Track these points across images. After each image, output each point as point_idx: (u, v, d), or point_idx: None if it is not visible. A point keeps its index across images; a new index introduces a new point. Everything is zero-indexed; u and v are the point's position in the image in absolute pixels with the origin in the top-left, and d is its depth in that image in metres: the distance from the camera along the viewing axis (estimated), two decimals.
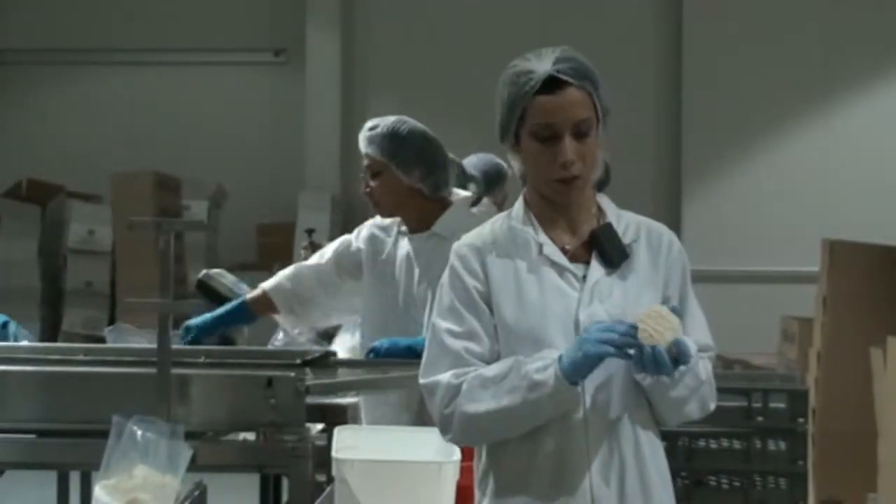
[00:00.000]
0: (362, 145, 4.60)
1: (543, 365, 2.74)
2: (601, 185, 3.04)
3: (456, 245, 2.97)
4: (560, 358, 2.73)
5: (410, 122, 4.60)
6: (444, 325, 2.88)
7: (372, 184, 4.64)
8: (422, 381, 2.89)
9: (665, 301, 2.90)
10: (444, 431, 2.88)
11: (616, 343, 2.70)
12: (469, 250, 2.92)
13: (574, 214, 2.93)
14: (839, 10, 11.78)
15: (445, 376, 2.83)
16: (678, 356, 2.71)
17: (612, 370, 2.81)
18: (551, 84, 2.82)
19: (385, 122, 4.62)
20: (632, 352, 2.71)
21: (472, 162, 6.20)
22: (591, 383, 2.80)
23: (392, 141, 4.55)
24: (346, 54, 12.65)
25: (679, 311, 2.78)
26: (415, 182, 4.57)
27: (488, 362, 2.84)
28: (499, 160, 6.36)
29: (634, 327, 2.71)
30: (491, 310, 2.87)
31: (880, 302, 7.12)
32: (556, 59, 2.84)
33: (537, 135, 2.84)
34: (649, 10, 12.37)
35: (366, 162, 4.65)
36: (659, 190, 12.04)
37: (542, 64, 2.84)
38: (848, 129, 11.80)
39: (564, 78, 2.82)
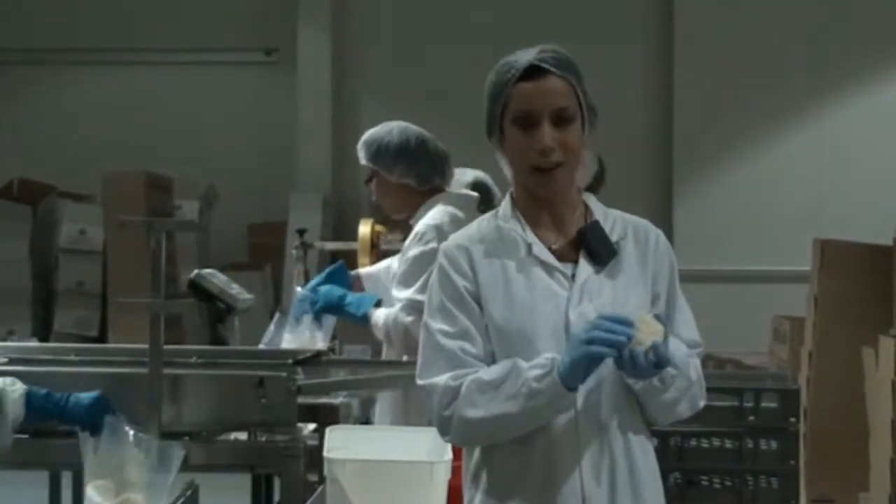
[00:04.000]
0: (360, 158, 4.81)
1: (542, 373, 2.73)
2: (595, 188, 3.05)
3: (443, 245, 2.97)
4: (557, 364, 2.73)
5: (392, 123, 4.77)
6: (437, 325, 2.88)
7: (372, 191, 4.84)
8: (419, 382, 2.88)
9: (654, 298, 2.91)
10: (443, 433, 2.88)
11: (600, 340, 2.68)
12: (457, 250, 2.92)
13: (560, 211, 2.93)
14: (831, 10, 11.79)
15: (443, 378, 2.83)
16: (658, 361, 2.71)
17: (602, 373, 2.81)
18: (532, 72, 2.85)
19: (369, 130, 4.80)
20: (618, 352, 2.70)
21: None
22: (582, 387, 2.79)
23: (371, 145, 4.73)
24: (338, 54, 12.65)
25: (664, 320, 2.76)
26: (400, 177, 4.73)
27: (483, 361, 2.84)
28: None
29: (624, 320, 2.70)
30: (481, 309, 2.87)
31: (871, 301, 7.13)
32: (539, 50, 2.88)
33: (517, 121, 2.86)
34: (641, 10, 12.38)
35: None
36: (650, 190, 12.05)
37: (526, 55, 2.88)
38: (839, 129, 11.82)
39: (545, 66, 2.85)
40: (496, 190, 5.45)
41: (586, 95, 2.88)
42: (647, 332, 2.70)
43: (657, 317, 2.75)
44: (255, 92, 13.18)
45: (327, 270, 5.05)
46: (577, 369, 2.71)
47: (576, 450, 2.80)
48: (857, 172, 11.68)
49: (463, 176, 5.26)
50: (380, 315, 4.63)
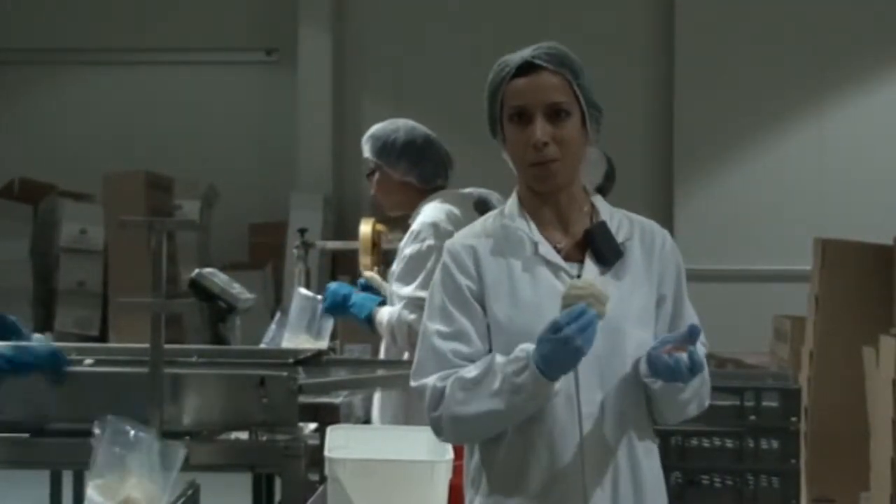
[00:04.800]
0: (363, 152, 4.83)
1: (520, 367, 2.72)
2: (607, 188, 3.05)
3: (448, 243, 2.96)
4: (532, 356, 2.71)
5: (399, 121, 4.80)
6: (434, 326, 2.88)
7: (372, 186, 4.84)
8: (412, 384, 2.89)
9: (660, 299, 2.91)
10: (437, 433, 2.88)
11: (574, 332, 2.64)
12: (462, 248, 2.91)
13: (565, 209, 2.92)
14: (832, 10, 11.79)
15: (431, 379, 2.83)
16: (692, 366, 2.71)
17: (609, 380, 2.81)
18: (527, 68, 2.85)
19: (376, 125, 4.83)
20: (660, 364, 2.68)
21: None
22: (584, 385, 2.79)
23: (377, 139, 4.76)
24: (338, 54, 12.65)
25: (683, 336, 2.75)
26: (403, 175, 4.75)
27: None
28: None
29: (577, 312, 2.66)
30: (484, 309, 2.86)
31: (872, 300, 7.13)
32: (535, 47, 2.88)
33: (512, 119, 2.86)
34: (641, 10, 12.38)
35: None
36: (651, 189, 12.04)
37: (522, 53, 2.88)
38: (840, 128, 11.82)
39: (538, 62, 2.85)
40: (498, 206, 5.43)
41: (585, 91, 2.87)
42: (595, 299, 2.68)
43: (692, 328, 2.75)
44: (255, 91, 13.18)
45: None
46: (563, 367, 2.69)
47: (578, 452, 2.79)
48: (858, 172, 11.67)
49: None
50: (383, 314, 4.64)
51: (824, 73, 11.83)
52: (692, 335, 2.74)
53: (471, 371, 2.79)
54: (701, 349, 2.80)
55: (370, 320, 4.70)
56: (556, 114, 2.83)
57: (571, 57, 2.88)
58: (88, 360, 4.27)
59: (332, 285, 4.92)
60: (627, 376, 2.83)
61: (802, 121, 11.90)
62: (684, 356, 2.71)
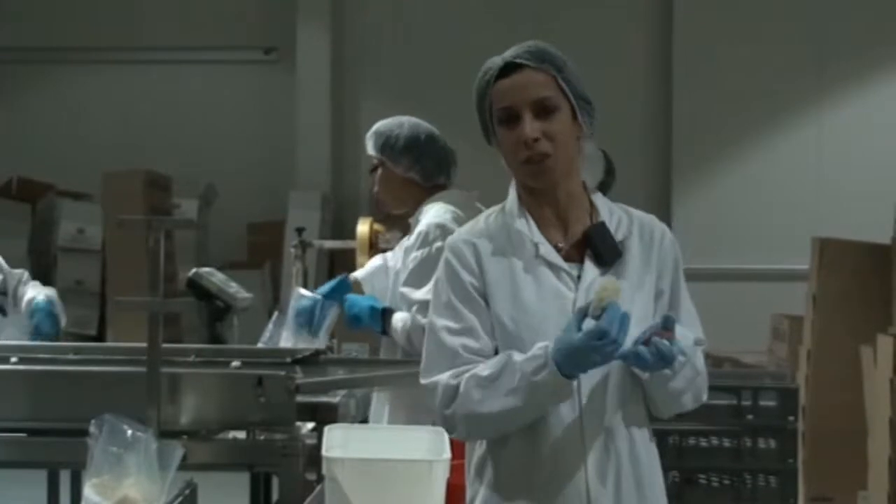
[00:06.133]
0: (367, 148, 4.83)
1: (539, 365, 2.73)
2: (608, 184, 3.05)
3: (450, 240, 2.97)
4: (552, 352, 2.72)
5: (403, 118, 4.81)
6: (441, 322, 2.88)
7: (375, 183, 4.84)
8: (422, 381, 2.89)
9: (659, 294, 2.92)
10: (450, 431, 2.90)
11: (620, 335, 2.66)
12: (464, 245, 2.91)
13: (564, 208, 2.92)
14: (831, 10, 11.79)
15: (444, 377, 2.83)
16: (661, 356, 2.70)
17: (607, 368, 2.81)
18: (509, 69, 2.86)
19: (380, 121, 4.84)
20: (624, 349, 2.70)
21: None
22: (586, 383, 2.80)
23: (381, 135, 4.77)
24: (337, 52, 12.64)
25: (671, 323, 2.76)
26: (406, 171, 4.75)
27: (487, 358, 2.84)
28: None
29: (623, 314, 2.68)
30: (487, 305, 2.86)
31: (870, 300, 7.14)
32: (516, 47, 2.89)
33: (502, 121, 2.86)
34: (640, 7, 12.38)
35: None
36: (649, 187, 12.03)
37: (503, 55, 2.89)
38: (839, 128, 11.82)
39: (519, 61, 2.85)
40: None
41: (571, 85, 2.87)
42: (615, 293, 2.70)
43: (667, 318, 2.75)
44: (254, 90, 13.17)
45: (331, 285, 5.02)
46: (592, 366, 2.71)
47: (580, 449, 2.81)
48: (856, 171, 11.67)
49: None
50: (397, 321, 4.62)
51: (823, 72, 11.83)
52: (666, 325, 2.73)
53: (486, 369, 2.80)
54: (684, 340, 2.79)
55: (385, 331, 4.68)
56: (543, 109, 2.84)
57: (552, 52, 2.88)
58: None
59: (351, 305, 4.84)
60: (627, 374, 2.84)
61: (801, 120, 11.90)
62: (651, 348, 2.70)
